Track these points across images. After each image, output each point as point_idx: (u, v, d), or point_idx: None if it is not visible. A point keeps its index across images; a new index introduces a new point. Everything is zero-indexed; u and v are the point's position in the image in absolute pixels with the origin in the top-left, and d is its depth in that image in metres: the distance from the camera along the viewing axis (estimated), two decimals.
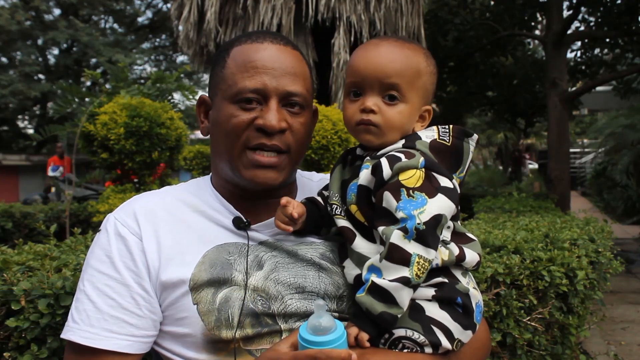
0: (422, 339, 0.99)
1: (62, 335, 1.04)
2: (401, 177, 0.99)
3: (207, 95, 1.21)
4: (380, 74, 1.06)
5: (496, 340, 1.97)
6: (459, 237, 1.09)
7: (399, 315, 0.97)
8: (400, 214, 0.96)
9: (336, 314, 1.07)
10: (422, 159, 1.01)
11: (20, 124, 25.10)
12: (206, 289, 1.04)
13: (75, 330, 1.02)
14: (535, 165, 28.01)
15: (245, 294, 1.04)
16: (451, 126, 1.10)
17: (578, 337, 2.40)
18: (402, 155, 1.01)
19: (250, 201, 1.16)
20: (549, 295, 2.11)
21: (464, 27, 10.05)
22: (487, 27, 10.03)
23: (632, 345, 4.20)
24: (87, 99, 5.74)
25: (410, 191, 0.98)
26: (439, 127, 1.10)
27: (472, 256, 1.07)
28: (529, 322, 2.05)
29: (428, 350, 1.00)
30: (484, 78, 12.26)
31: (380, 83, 1.06)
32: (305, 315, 1.04)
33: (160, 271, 1.06)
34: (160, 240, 1.08)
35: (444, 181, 1.01)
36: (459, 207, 1.07)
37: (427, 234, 0.95)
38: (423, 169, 1.00)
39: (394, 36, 1.15)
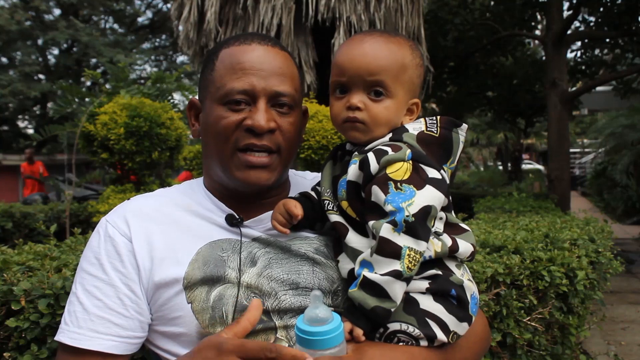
0: (417, 332, 0.98)
1: (55, 337, 1.06)
2: (388, 170, 0.99)
3: (197, 98, 1.22)
4: (364, 72, 1.05)
5: (496, 340, 1.96)
6: (452, 228, 1.09)
7: (393, 309, 0.96)
8: (388, 207, 0.96)
9: (331, 309, 1.07)
10: (408, 151, 1.00)
11: (20, 124, 25.12)
12: (200, 287, 1.04)
13: (65, 332, 1.03)
14: (534, 166, 28.01)
15: (238, 291, 1.04)
16: (439, 117, 1.09)
17: (578, 337, 2.40)
18: (388, 149, 1.01)
19: (243, 202, 1.16)
20: (549, 295, 2.11)
21: (464, 27, 10.04)
22: (487, 27, 10.02)
23: (632, 345, 4.20)
24: (87, 99, 5.75)
25: (398, 184, 0.97)
26: (427, 118, 1.09)
27: (465, 247, 1.07)
28: (529, 322, 2.05)
29: (423, 343, 0.99)
30: (484, 78, 12.26)
31: (364, 80, 1.05)
32: (299, 311, 1.04)
33: (152, 272, 1.06)
34: (152, 241, 1.08)
35: (432, 172, 1.01)
36: (450, 198, 1.06)
37: (417, 226, 0.94)
38: (410, 161, 1.00)
39: (378, 30, 1.13)
